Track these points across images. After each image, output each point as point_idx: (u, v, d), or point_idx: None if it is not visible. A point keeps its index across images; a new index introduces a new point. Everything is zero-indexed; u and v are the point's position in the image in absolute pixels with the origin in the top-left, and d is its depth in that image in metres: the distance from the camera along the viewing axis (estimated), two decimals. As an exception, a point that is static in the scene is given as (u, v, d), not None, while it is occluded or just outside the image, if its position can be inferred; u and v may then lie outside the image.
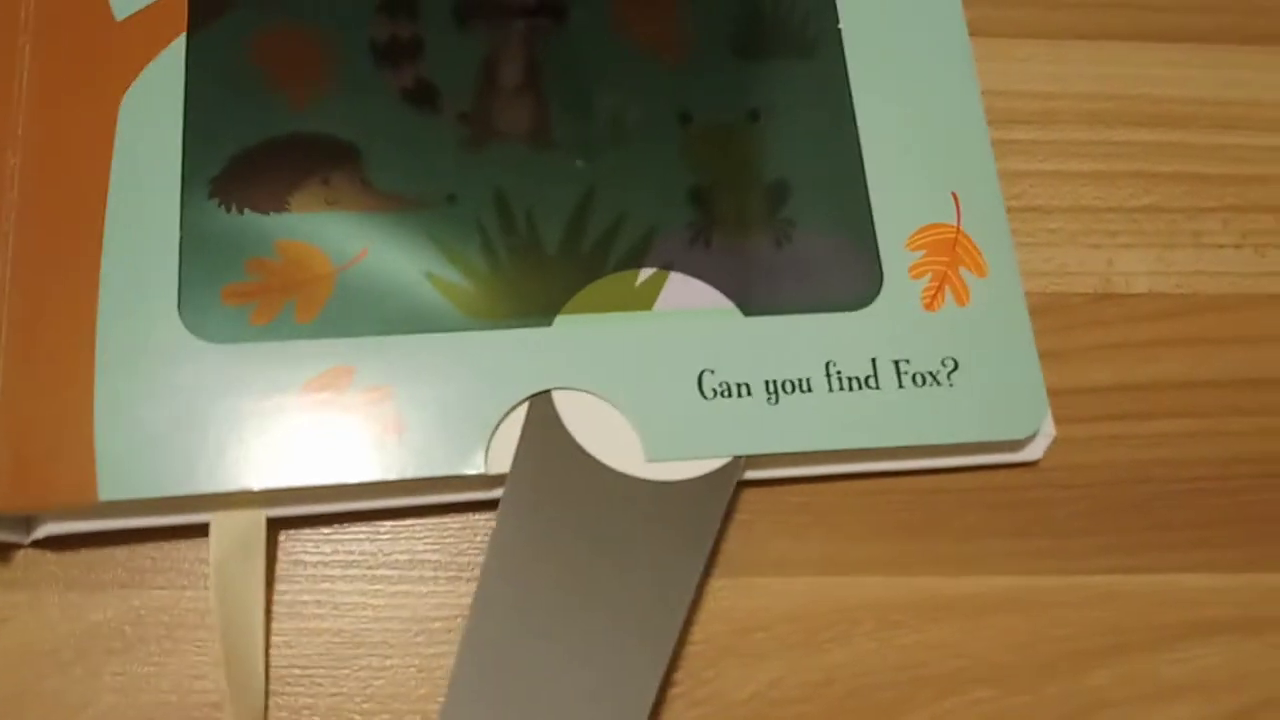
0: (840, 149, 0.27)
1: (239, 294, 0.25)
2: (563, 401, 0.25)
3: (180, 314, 0.24)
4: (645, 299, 0.26)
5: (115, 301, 0.24)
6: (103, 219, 0.25)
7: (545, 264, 0.26)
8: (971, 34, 0.29)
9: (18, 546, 0.24)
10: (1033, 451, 0.26)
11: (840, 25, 0.28)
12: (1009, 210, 0.28)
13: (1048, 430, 0.26)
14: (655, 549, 0.24)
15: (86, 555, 0.25)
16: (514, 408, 0.24)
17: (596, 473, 0.24)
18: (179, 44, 0.26)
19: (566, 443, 0.24)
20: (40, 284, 0.24)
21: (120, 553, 0.25)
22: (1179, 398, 0.27)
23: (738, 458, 0.24)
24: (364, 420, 0.24)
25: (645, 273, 0.26)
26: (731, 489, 0.24)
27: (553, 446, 0.24)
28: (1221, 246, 0.28)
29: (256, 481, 0.23)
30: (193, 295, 0.24)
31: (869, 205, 0.27)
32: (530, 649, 0.23)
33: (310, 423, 0.24)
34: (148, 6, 0.26)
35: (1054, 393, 0.27)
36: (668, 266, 0.26)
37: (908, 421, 0.25)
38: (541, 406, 0.24)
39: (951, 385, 0.25)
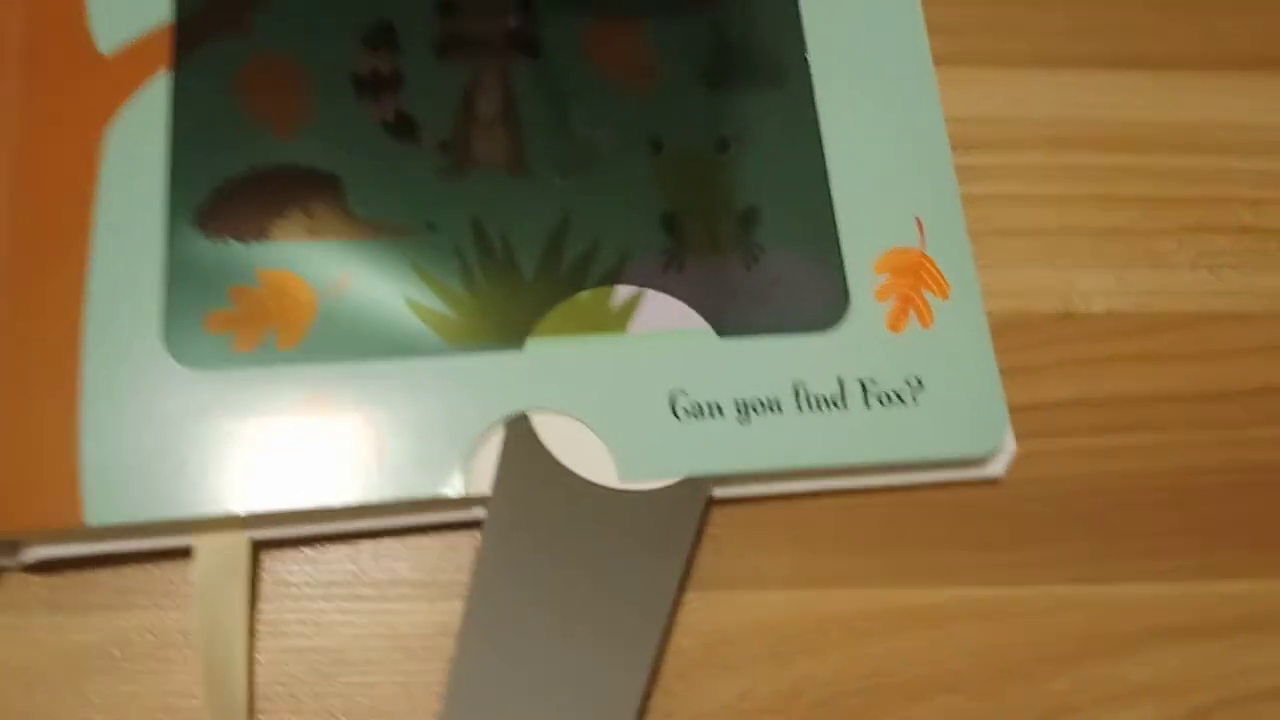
0: (808, 175, 0.28)
1: (222, 321, 0.25)
2: (539, 423, 0.25)
3: (165, 341, 0.25)
4: (620, 321, 0.27)
5: (100, 328, 0.25)
6: (88, 248, 0.25)
7: (522, 289, 0.27)
8: (934, 62, 0.30)
9: (3, 570, 0.25)
10: (995, 468, 0.27)
11: (807, 55, 0.29)
12: (972, 233, 0.29)
13: (1009, 447, 0.27)
14: (632, 562, 0.25)
15: (72, 578, 0.25)
16: (490, 429, 0.25)
17: (575, 489, 0.25)
18: (163, 76, 0.27)
19: (546, 461, 0.25)
20: (25, 311, 0.25)
21: (105, 575, 0.25)
22: (1137, 412, 0.28)
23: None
24: (345, 444, 0.25)
25: (620, 295, 0.27)
26: (705, 496, 0.25)
27: (532, 466, 0.25)
28: (1178, 267, 0.29)
29: (239, 505, 0.24)
30: (177, 323, 0.25)
31: (836, 229, 0.28)
32: (519, 665, 0.24)
33: (292, 447, 0.24)
34: (132, 40, 0.27)
35: (1016, 409, 0.28)
36: (641, 290, 0.27)
37: (874, 439, 0.26)
38: (520, 427, 0.25)
39: (916, 404, 0.26)
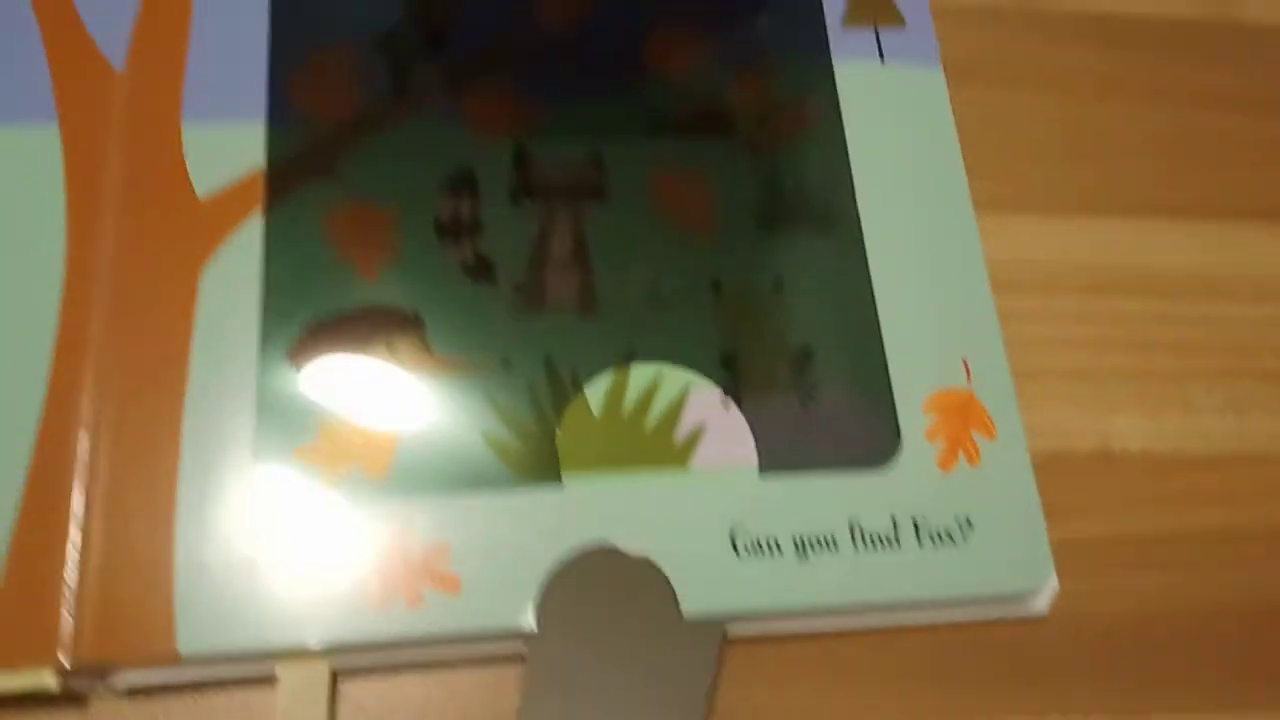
0: (858, 316, 0.30)
1: (310, 454, 0.27)
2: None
3: (255, 471, 0.26)
4: (682, 457, 0.28)
5: (195, 459, 0.26)
6: (184, 382, 0.27)
7: (590, 424, 0.28)
8: (976, 208, 0.32)
9: (94, 694, 0.26)
10: (1038, 605, 0.28)
11: (857, 204, 0.31)
12: (1013, 372, 0.30)
13: (1053, 584, 0.28)
14: (662, 699, 0.26)
15: (160, 702, 0.26)
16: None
17: (625, 624, 0.26)
18: (256, 220, 0.29)
19: (600, 597, 0.26)
20: (125, 442, 0.26)
21: (190, 701, 0.26)
22: (1171, 551, 0.29)
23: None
24: (422, 576, 0.26)
25: (682, 431, 0.28)
26: (720, 635, 0.26)
27: (584, 602, 0.26)
28: (1206, 411, 0.31)
29: (323, 637, 0.25)
30: (267, 454, 0.26)
31: (887, 370, 0.29)
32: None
33: (372, 579, 0.26)
34: (228, 185, 0.29)
35: (1057, 547, 0.29)
36: (702, 425, 0.28)
37: (927, 576, 0.27)
38: (580, 561, 0.26)
39: (966, 542, 0.28)
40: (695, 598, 0.26)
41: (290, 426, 0.27)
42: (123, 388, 0.27)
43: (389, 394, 0.28)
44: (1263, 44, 0.37)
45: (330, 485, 0.26)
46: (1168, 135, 0.35)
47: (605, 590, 0.26)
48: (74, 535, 0.26)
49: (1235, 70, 0.37)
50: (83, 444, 0.26)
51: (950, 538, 0.28)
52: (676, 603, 0.26)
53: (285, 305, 0.28)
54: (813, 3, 0.34)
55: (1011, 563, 0.28)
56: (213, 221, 0.29)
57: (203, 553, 0.26)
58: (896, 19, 0.34)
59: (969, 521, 0.28)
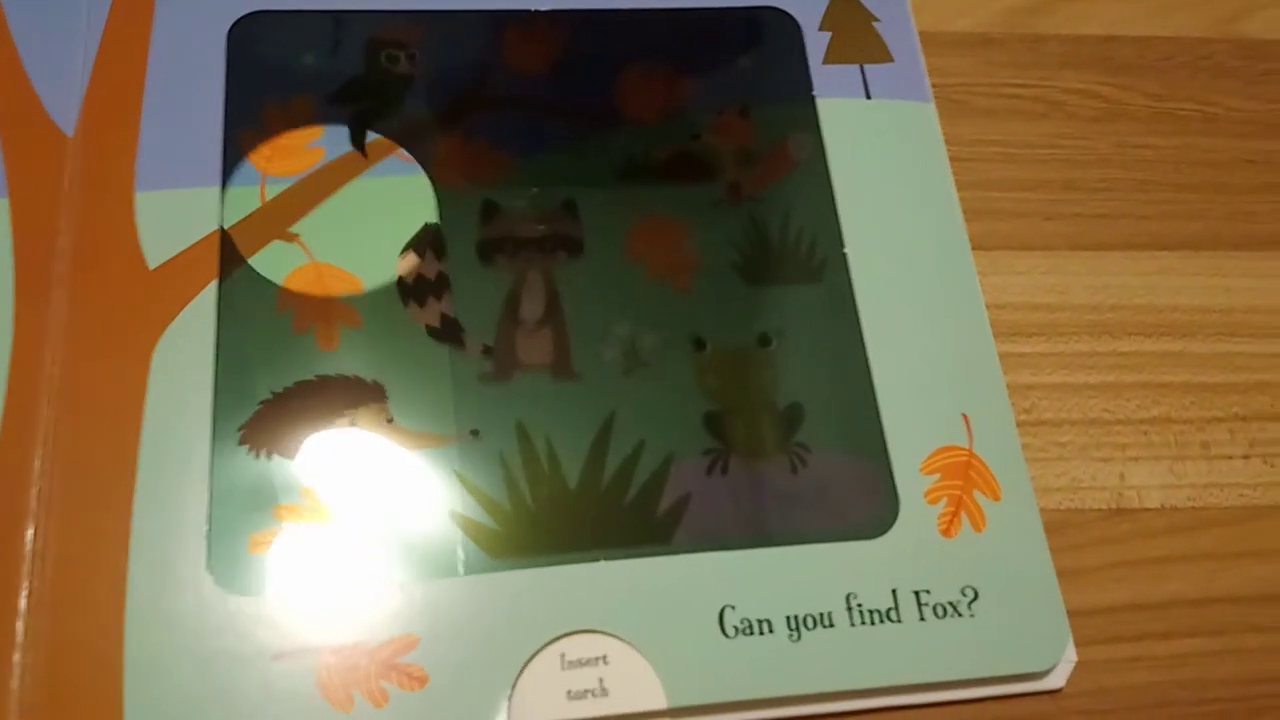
0: (850, 371, 0.28)
1: (267, 542, 0.25)
2: (584, 645, 0.25)
3: (209, 568, 0.24)
4: (665, 531, 0.26)
5: (146, 557, 0.24)
6: (135, 470, 0.25)
7: (567, 498, 0.26)
8: (973, 248, 0.30)
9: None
10: (1054, 680, 0.26)
11: (845, 250, 0.29)
12: (1019, 424, 0.28)
13: (1069, 657, 0.26)
14: None
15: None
16: (535, 655, 0.24)
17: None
18: (211, 290, 0.27)
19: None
20: (73, 538, 0.25)
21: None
22: (1195, 616, 0.27)
23: None
24: (386, 672, 0.24)
25: (665, 502, 0.27)
26: None
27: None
28: (1230, 458, 0.29)
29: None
30: (222, 547, 0.25)
31: (882, 429, 0.27)
32: None
33: (332, 676, 0.24)
34: (180, 253, 0.27)
35: (1072, 614, 0.27)
36: (686, 495, 0.27)
37: (930, 656, 0.25)
38: (558, 652, 0.25)
39: (972, 616, 0.26)
40: (680, 686, 0.24)
41: (246, 513, 0.25)
42: (69, 479, 0.25)
43: (349, 473, 0.26)
44: (1272, 60, 0.35)
45: (288, 575, 0.25)
46: (1174, 161, 0.33)
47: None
48: (18, 634, 0.24)
49: (1244, 90, 0.35)
50: (28, 540, 0.25)
51: (955, 610, 0.26)
52: None
53: (239, 382, 0.26)
54: (794, 40, 0.32)
55: (1024, 637, 0.26)
56: (165, 294, 0.27)
57: (154, 661, 0.24)
58: (884, 55, 0.32)
59: (976, 592, 0.26)
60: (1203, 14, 0.36)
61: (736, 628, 0.25)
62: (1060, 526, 0.28)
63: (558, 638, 0.25)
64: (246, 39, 0.30)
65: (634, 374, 0.28)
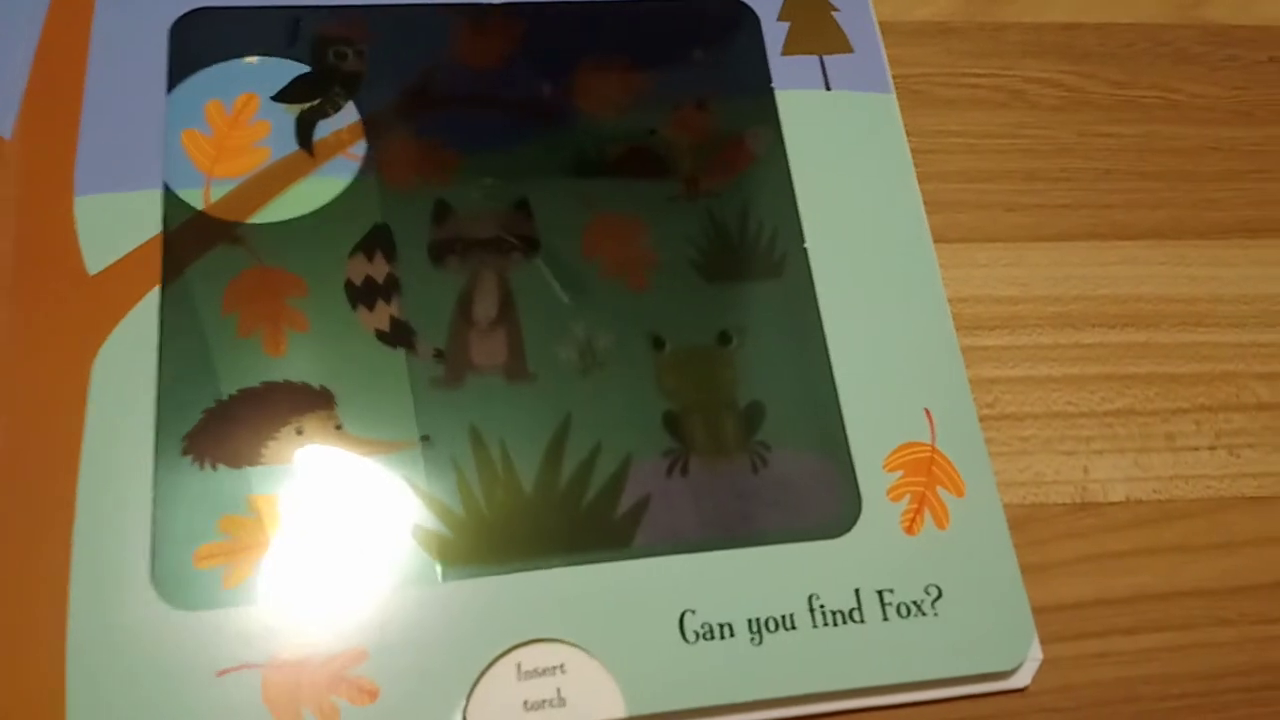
0: (811, 368, 0.28)
1: (212, 555, 0.24)
2: (540, 654, 0.24)
3: (153, 582, 0.24)
4: (624, 535, 0.26)
5: (88, 571, 0.24)
6: (75, 483, 0.24)
7: (523, 503, 0.26)
8: (935, 240, 0.29)
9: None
10: (1020, 679, 0.26)
11: (806, 245, 0.29)
12: (982, 419, 0.28)
13: (1035, 655, 0.26)
14: None
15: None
16: (491, 665, 0.24)
17: None
18: (153, 296, 0.26)
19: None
20: (12, 553, 0.24)
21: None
22: (1161, 610, 0.27)
23: None
24: (336, 685, 0.23)
25: (624, 505, 0.26)
26: None
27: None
28: (1196, 449, 0.29)
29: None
30: (165, 561, 0.24)
31: (844, 426, 0.27)
32: None
33: (280, 690, 0.23)
34: (121, 259, 0.27)
35: (1037, 610, 0.26)
36: (645, 497, 0.26)
37: (894, 657, 0.25)
38: (515, 660, 0.24)
39: (936, 615, 0.25)
40: (639, 693, 0.24)
41: (189, 526, 0.24)
42: (9, 490, 0.24)
43: (297, 483, 0.25)
44: (1235, 45, 0.35)
45: (233, 588, 0.24)
46: (1137, 149, 0.33)
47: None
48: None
49: (1207, 76, 0.34)
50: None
51: (919, 609, 0.25)
52: None
53: (183, 389, 0.26)
54: (752, 32, 0.31)
55: (988, 636, 0.25)
56: (106, 300, 0.26)
57: (97, 678, 0.23)
58: (843, 45, 0.31)
59: (939, 591, 0.25)
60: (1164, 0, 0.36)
61: (697, 632, 0.25)
62: (1024, 522, 0.28)
63: (514, 647, 0.24)
64: (189, 36, 0.30)
65: (591, 374, 0.27)
